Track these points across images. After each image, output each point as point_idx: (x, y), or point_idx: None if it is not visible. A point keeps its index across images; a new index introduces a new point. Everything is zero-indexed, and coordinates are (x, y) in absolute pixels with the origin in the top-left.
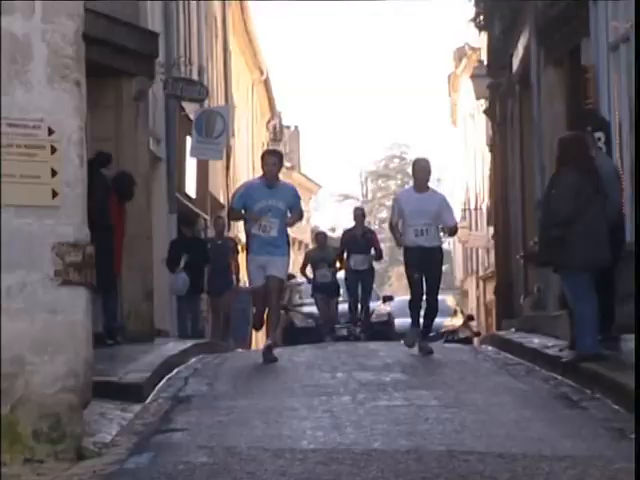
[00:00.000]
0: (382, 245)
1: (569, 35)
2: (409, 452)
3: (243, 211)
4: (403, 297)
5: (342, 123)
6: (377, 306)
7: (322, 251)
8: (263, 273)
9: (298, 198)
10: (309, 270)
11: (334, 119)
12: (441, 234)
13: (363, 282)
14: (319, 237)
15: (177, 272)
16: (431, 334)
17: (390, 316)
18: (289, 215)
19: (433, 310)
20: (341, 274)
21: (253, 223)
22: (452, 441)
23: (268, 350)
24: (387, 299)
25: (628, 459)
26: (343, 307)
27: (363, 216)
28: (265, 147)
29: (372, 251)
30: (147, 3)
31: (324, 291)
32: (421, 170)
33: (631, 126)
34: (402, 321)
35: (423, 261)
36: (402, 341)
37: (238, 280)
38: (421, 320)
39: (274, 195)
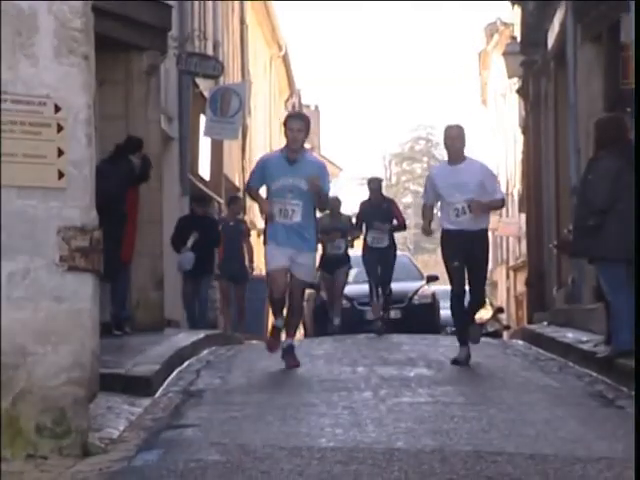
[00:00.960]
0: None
1: (608, 10)
2: (433, 452)
3: (265, 191)
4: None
5: (364, 103)
6: (420, 287)
7: (334, 220)
8: (285, 258)
9: (325, 176)
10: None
11: (356, 99)
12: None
13: (384, 261)
14: (331, 202)
15: (183, 251)
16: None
17: (435, 298)
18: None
19: (478, 305)
20: (356, 252)
21: (272, 207)
22: (479, 441)
23: (289, 354)
24: (432, 279)
25: None
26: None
27: (380, 184)
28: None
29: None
30: None
31: (334, 264)
32: (453, 137)
33: None
34: (444, 313)
35: (466, 248)
36: (446, 333)
37: (253, 268)
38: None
39: (296, 172)
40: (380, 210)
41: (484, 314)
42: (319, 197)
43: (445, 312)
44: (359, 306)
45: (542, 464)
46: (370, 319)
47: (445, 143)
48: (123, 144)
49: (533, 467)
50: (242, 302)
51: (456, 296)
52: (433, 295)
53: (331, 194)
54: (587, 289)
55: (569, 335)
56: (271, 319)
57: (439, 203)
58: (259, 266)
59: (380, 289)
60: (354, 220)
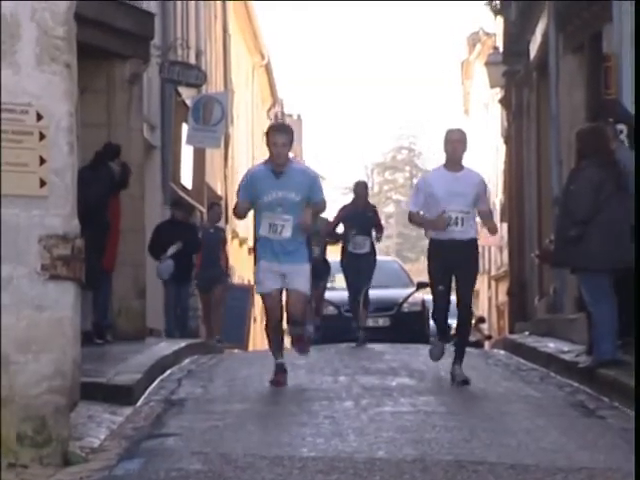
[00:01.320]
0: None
1: (590, 21)
2: (415, 462)
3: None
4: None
5: (346, 113)
6: (410, 294)
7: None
8: (277, 278)
9: (316, 183)
10: None
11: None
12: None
13: (363, 268)
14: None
15: (163, 259)
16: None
17: (424, 305)
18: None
19: (465, 323)
20: (334, 257)
21: (261, 223)
22: (461, 450)
23: (281, 374)
24: (422, 286)
25: None
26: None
27: (366, 189)
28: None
29: (373, 231)
30: None
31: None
32: (455, 142)
33: None
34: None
35: (455, 259)
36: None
37: (229, 274)
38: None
39: (284, 184)
40: (365, 217)
41: None
42: (312, 215)
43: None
44: (346, 313)
45: (523, 474)
46: (353, 326)
47: (446, 148)
48: (102, 151)
49: (514, 477)
50: (220, 305)
51: (438, 312)
52: (423, 302)
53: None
54: (569, 299)
55: (550, 345)
56: (264, 344)
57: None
58: (240, 274)
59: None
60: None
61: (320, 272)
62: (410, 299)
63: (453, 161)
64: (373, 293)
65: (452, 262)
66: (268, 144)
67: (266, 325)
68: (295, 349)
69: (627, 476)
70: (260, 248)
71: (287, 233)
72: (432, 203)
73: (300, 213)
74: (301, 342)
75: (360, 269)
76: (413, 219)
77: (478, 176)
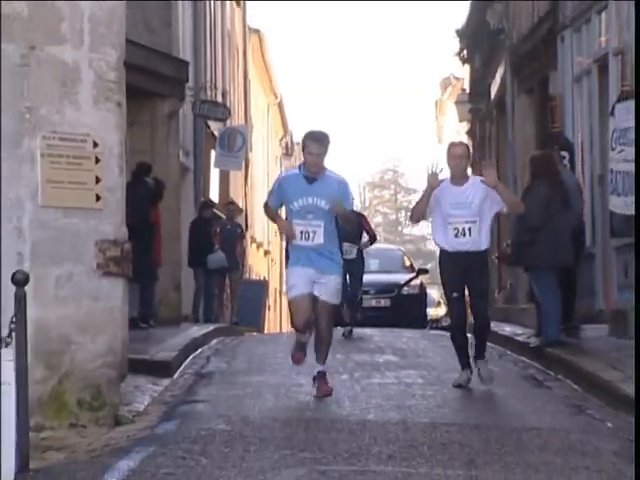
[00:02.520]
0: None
1: (539, 68)
2: (398, 423)
3: (283, 212)
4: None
5: (343, 141)
6: (409, 279)
7: None
8: (310, 284)
9: (347, 193)
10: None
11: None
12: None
13: (352, 272)
14: None
15: (215, 250)
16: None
17: (422, 289)
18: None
19: (484, 328)
20: None
21: (291, 228)
22: (435, 414)
23: (322, 379)
24: (422, 272)
25: (584, 431)
26: None
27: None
28: (278, 160)
29: (363, 237)
30: (179, 35)
31: None
32: (457, 157)
33: (593, 146)
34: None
35: (466, 271)
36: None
37: (244, 264)
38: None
39: (316, 191)
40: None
41: (439, 311)
42: (343, 217)
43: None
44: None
45: (485, 433)
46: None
47: (448, 162)
48: (137, 170)
49: (478, 435)
50: (235, 287)
51: (456, 327)
52: (421, 286)
53: None
54: (522, 292)
55: (507, 329)
56: (288, 329)
57: (430, 218)
58: (257, 271)
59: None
60: None
61: None
62: (410, 283)
63: (458, 175)
64: (376, 277)
65: (463, 272)
66: (304, 151)
67: (292, 326)
68: (319, 392)
69: (568, 434)
70: (293, 254)
71: (319, 240)
72: (438, 212)
73: (330, 220)
74: (325, 382)
75: (349, 273)
76: (414, 209)
77: (481, 186)
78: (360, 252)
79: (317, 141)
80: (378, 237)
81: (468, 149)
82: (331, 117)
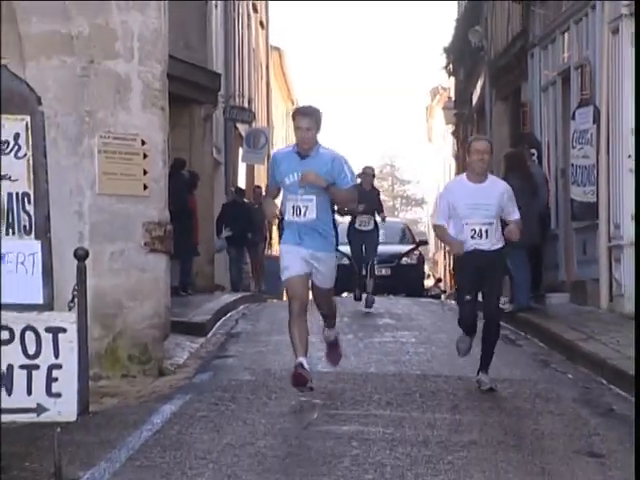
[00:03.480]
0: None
1: (512, 80)
2: (394, 375)
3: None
4: None
5: (347, 138)
6: (409, 250)
7: None
8: (303, 263)
9: (344, 167)
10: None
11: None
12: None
13: (368, 243)
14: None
15: (220, 237)
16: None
17: (421, 259)
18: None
19: (492, 332)
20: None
21: (270, 208)
22: (425, 368)
23: (334, 347)
24: (422, 243)
25: (548, 381)
26: None
27: (373, 175)
28: None
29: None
30: (213, 52)
31: None
32: (482, 152)
33: (557, 144)
34: None
35: (481, 270)
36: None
37: (268, 238)
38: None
39: (308, 166)
40: (370, 198)
41: (428, 283)
42: (341, 200)
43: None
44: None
45: (467, 383)
46: (363, 274)
47: (470, 158)
48: (173, 164)
49: (461, 385)
50: (262, 258)
51: (465, 326)
52: (420, 257)
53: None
54: None
55: None
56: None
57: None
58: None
59: (366, 268)
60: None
61: None
62: (410, 254)
63: (476, 172)
64: (379, 248)
65: (478, 273)
66: (294, 129)
67: (289, 321)
68: (328, 359)
69: (535, 384)
70: (286, 230)
71: (312, 215)
72: (454, 215)
73: (323, 196)
74: (335, 351)
75: (365, 243)
76: (438, 232)
77: (503, 186)
78: (376, 224)
79: (306, 115)
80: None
81: (491, 145)
82: (338, 117)
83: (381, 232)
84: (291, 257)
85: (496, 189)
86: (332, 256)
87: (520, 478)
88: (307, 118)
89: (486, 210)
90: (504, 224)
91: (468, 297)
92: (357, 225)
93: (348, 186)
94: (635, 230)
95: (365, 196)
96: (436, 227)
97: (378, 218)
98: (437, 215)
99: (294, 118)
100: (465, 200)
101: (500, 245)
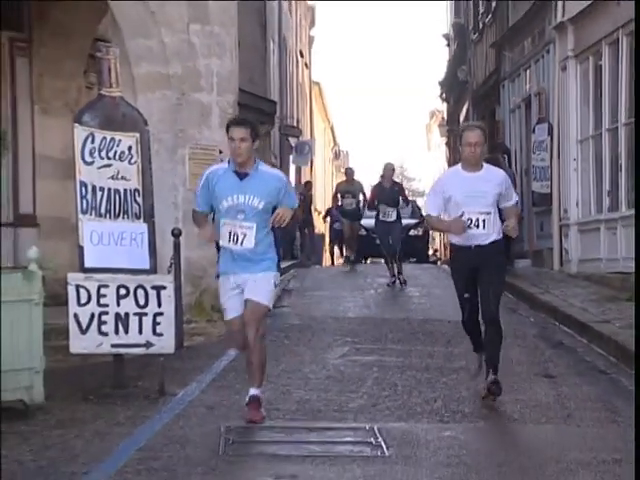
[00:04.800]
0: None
1: (489, 104)
2: (404, 320)
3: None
4: None
5: (369, 148)
6: (416, 223)
7: (349, 184)
8: (238, 300)
9: (286, 188)
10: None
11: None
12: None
13: (392, 233)
14: (348, 172)
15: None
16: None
17: (426, 232)
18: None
19: (495, 338)
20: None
21: (220, 231)
22: (426, 314)
23: (254, 405)
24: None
25: (516, 323)
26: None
27: (392, 170)
28: (330, 161)
29: (400, 202)
30: (271, 85)
31: (349, 216)
32: (473, 144)
33: (522, 151)
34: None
35: (478, 264)
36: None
37: (313, 223)
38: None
39: (247, 188)
40: (391, 192)
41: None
42: (279, 219)
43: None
44: (372, 234)
45: (457, 325)
46: (377, 243)
47: (463, 149)
48: None
49: (452, 327)
50: (311, 239)
51: (467, 324)
52: (425, 229)
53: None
54: None
55: None
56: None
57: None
58: (318, 229)
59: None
60: (367, 194)
61: (355, 216)
62: (417, 227)
63: (472, 162)
64: None
65: (475, 268)
66: (228, 140)
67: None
68: (247, 415)
69: (507, 324)
70: (221, 257)
71: (249, 243)
72: (450, 206)
73: (264, 220)
74: (255, 408)
75: (390, 233)
76: (431, 223)
77: (499, 175)
78: (399, 214)
79: (239, 124)
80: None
81: (485, 133)
82: (361, 126)
83: (390, 238)
84: (229, 297)
85: (493, 178)
86: (269, 274)
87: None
88: (241, 128)
89: (483, 198)
90: (502, 218)
91: (467, 295)
92: (381, 217)
93: (294, 206)
94: (635, 225)
95: (385, 192)
96: (429, 218)
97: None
98: (428, 207)
99: (227, 130)
100: (462, 189)
101: (499, 237)
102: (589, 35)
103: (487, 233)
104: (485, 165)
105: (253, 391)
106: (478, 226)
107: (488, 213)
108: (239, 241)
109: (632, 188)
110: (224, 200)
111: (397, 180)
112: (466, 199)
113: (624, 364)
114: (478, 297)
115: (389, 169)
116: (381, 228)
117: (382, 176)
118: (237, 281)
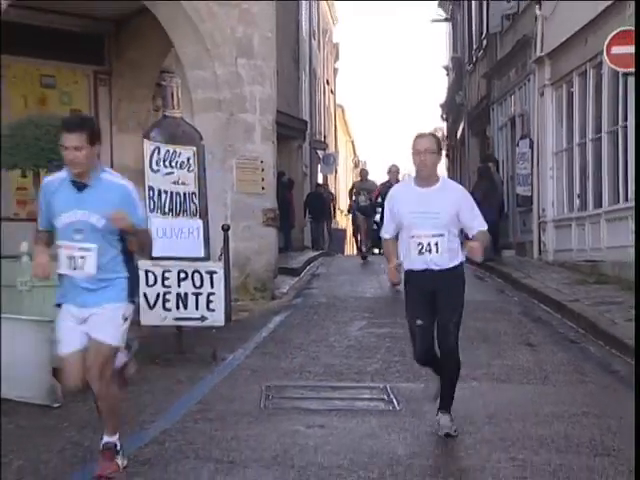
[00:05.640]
0: None
1: (481, 123)
2: (394, 299)
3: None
4: None
5: (383, 158)
6: None
7: (364, 183)
8: (78, 333)
9: (133, 202)
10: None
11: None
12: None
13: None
14: (362, 172)
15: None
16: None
17: None
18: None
19: (453, 370)
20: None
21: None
22: None
23: (107, 455)
24: None
25: (503, 302)
26: None
27: (397, 172)
28: (350, 169)
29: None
30: (303, 107)
31: (363, 212)
32: (422, 151)
33: (508, 161)
34: None
35: (433, 291)
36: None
37: (333, 217)
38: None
39: (86, 201)
40: None
41: None
42: (134, 236)
43: None
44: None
45: None
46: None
47: (413, 158)
48: (279, 174)
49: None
50: (329, 232)
51: (420, 361)
52: None
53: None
54: None
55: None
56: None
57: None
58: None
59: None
60: (375, 193)
61: (369, 212)
62: None
63: (423, 174)
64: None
65: (431, 292)
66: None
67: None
68: (99, 468)
69: (495, 303)
70: (60, 285)
71: (91, 269)
72: (399, 225)
73: (109, 241)
74: (109, 458)
75: (369, 215)
76: (384, 248)
77: (457, 190)
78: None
79: (70, 131)
80: None
81: (438, 141)
82: (376, 140)
83: None
84: (63, 328)
85: (449, 195)
86: (116, 307)
87: (486, 357)
88: (73, 135)
89: (435, 219)
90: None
91: (420, 322)
92: None
93: (142, 226)
94: (635, 222)
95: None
96: (384, 241)
97: None
98: (384, 227)
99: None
100: (409, 207)
101: (457, 262)
102: (563, 67)
103: (441, 257)
104: (442, 179)
105: (107, 438)
106: (430, 250)
107: (441, 235)
108: (78, 266)
109: (597, 193)
110: (59, 217)
111: (401, 179)
112: (415, 220)
113: (592, 335)
114: (434, 325)
115: (394, 170)
116: None
117: (389, 173)
118: (78, 313)
